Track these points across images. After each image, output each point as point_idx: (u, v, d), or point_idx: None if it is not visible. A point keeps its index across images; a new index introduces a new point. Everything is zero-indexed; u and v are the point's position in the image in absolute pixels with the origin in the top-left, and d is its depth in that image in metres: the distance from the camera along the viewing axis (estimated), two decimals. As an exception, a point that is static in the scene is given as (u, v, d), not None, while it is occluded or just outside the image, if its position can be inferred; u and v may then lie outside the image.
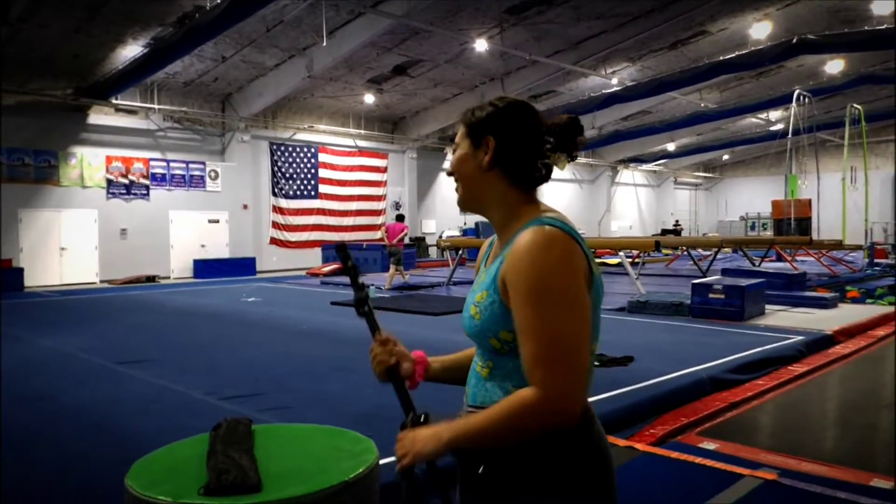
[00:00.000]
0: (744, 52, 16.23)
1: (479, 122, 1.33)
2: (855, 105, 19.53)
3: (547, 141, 1.30)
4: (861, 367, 6.31)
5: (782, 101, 20.08)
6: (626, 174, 31.86)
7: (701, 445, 3.83)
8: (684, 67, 17.56)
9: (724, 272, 11.01)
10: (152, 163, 16.82)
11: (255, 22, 13.25)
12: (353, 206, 21.13)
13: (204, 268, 17.09)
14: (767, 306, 8.79)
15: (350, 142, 20.88)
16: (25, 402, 4.83)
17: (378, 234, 21.19)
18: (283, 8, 13.02)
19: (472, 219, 23.66)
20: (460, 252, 14.25)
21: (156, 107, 16.45)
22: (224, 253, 18.00)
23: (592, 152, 28.10)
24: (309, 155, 19.97)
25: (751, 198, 33.89)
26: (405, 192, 22.41)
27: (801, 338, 6.88)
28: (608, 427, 1.36)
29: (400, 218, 13.89)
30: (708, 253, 17.62)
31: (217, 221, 18.02)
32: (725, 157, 34.36)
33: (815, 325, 7.59)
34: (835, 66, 19.39)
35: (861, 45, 15.07)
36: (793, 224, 19.98)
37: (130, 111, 16.32)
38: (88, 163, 15.71)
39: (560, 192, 27.60)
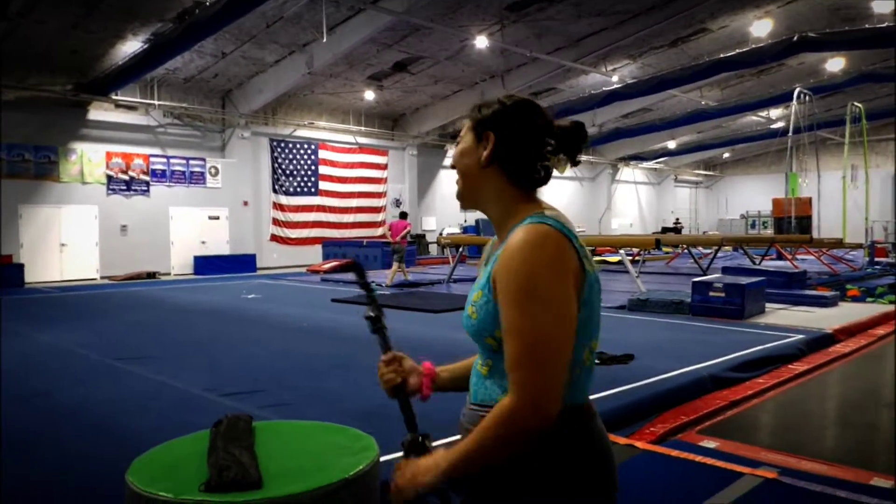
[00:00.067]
0: (745, 49, 16.21)
1: (483, 118, 1.33)
2: (856, 103, 19.52)
3: (548, 143, 1.29)
4: (861, 365, 6.30)
5: (783, 98, 20.08)
6: (627, 172, 31.84)
7: (701, 444, 3.83)
8: (685, 65, 17.55)
9: (725, 270, 11.01)
10: (152, 159, 16.81)
11: (255, 18, 13.23)
12: (354, 203, 21.12)
13: (204, 264, 17.09)
14: (768, 305, 8.79)
15: (350, 138, 20.87)
16: (24, 398, 4.83)
17: (379, 232, 21.21)
18: (283, 4, 12.99)
19: (473, 216, 23.65)
20: (460, 249, 14.24)
21: (156, 103, 16.42)
22: (224, 250, 17.99)
23: (593, 150, 28.08)
24: (309, 152, 19.96)
25: (751, 196, 33.88)
26: (405, 189, 22.39)
27: (801, 336, 6.88)
28: (608, 425, 1.36)
29: (403, 215, 13.95)
30: (708, 251, 17.62)
31: (217, 218, 18.01)
32: (726, 155, 34.35)
33: (816, 324, 7.59)
34: (835, 64, 19.37)
35: (862, 43, 15.07)
36: (793, 222, 19.99)
37: (130, 107, 16.30)
38: (88, 159, 15.70)
39: (560, 190, 27.59)
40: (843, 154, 20.22)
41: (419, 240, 21.58)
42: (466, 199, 1.39)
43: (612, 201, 30.62)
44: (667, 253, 18.67)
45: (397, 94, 19.45)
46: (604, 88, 18.94)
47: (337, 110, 20.18)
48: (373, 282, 10.78)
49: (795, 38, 15.02)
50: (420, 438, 1.35)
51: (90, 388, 5.10)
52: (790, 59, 17.84)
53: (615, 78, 18.34)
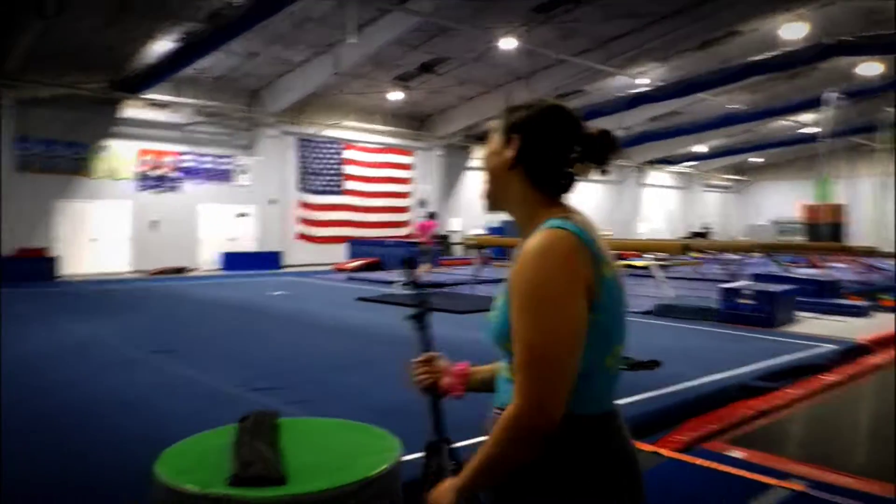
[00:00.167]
0: (777, 52, 15.93)
1: (511, 120, 1.33)
2: (888, 109, 19.06)
3: (574, 150, 1.28)
4: (894, 377, 6.15)
5: (815, 103, 19.70)
6: (654, 175, 31.54)
7: (728, 453, 3.76)
8: (714, 68, 17.30)
9: (755, 277, 10.84)
10: (182, 156, 17.07)
11: (283, 18, 13.35)
12: (379, 202, 21.21)
13: (231, 261, 17.30)
14: (798, 313, 8.62)
15: (376, 138, 20.96)
16: (55, 388, 4.93)
17: (403, 231, 21.28)
18: (310, 5, 13.10)
19: (499, 217, 23.59)
20: (485, 250, 14.21)
21: (186, 101, 16.66)
22: (251, 246, 18.20)
23: (621, 150, 27.83)
24: (335, 151, 20.10)
25: (781, 201, 33.32)
26: (431, 189, 22.43)
27: (832, 346, 6.74)
28: (633, 431, 1.34)
29: (431, 216, 14.02)
30: (738, 257, 17.35)
31: (245, 215, 18.23)
32: (756, 159, 33.82)
33: (848, 334, 7.43)
34: (869, 68, 18.96)
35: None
36: (825, 229, 19.62)
37: (161, 105, 16.56)
38: (120, 155, 16.00)
39: (587, 193, 27.41)
40: (875, 160, 19.80)
41: (443, 240, 21.60)
42: (492, 199, 1.39)
43: (639, 205, 30.33)
44: (695, 258, 18.43)
45: (424, 94, 19.49)
46: (630, 91, 18.76)
47: (363, 110, 20.29)
48: (396, 282, 10.78)
49: (829, 42, 14.73)
50: (439, 442, 1.36)
51: (119, 380, 5.19)
52: (823, 62, 17.50)
53: (643, 81, 18.16)
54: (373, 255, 17.84)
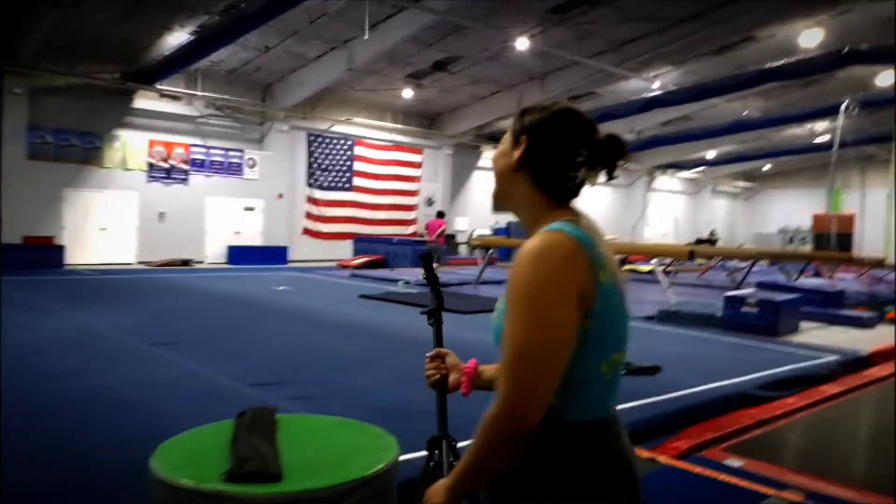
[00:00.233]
0: (792, 59, 15.83)
1: (521, 122, 1.34)
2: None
3: (580, 154, 1.28)
4: (895, 390, 6.12)
5: (829, 111, 19.56)
6: (663, 180, 31.40)
7: (726, 462, 3.76)
8: (729, 74, 17.21)
9: (759, 285, 10.79)
10: (193, 148, 17.14)
11: (299, 13, 13.37)
12: (387, 199, 21.23)
13: (237, 254, 17.36)
14: (802, 323, 8.59)
15: (386, 136, 20.98)
16: (56, 376, 4.97)
17: (410, 230, 21.29)
18: (326, 0, 13.12)
19: (505, 218, 23.58)
20: (490, 251, 14.21)
21: (198, 93, 16.73)
22: (258, 240, 18.25)
23: (629, 156, 27.73)
24: (345, 147, 20.13)
25: (790, 210, 33.11)
26: (439, 188, 22.43)
27: (835, 357, 6.71)
28: (631, 437, 1.35)
29: (440, 214, 14.02)
30: (743, 265, 17.28)
31: (252, 209, 18.29)
32: (766, 167, 33.62)
33: (851, 345, 7.40)
34: (886, 77, 18.81)
35: (915, 57, 14.62)
36: (834, 239, 19.46)
37: (174, 97, 16.64)
38: (131, 146, 16.08)
39: (595, 196, 27.35)
40: (888, 171, 19.65)
41: (449, 240, 21.61)
42: (500, 199, 1.41)
43: (646, 209, 30.22)
44: (700, 264, 18.37)
45: (436, 93, 19.48)
46: (644, 95, 18.70)
47: (375, 107, 20.30)
48: (401, 280, 10.79)
49: (845, 50, 14.63)
50: (440, 438, 1.38)
51: (121, 370, 5.22)
52: (839, 71, 17.38)
53: (657, 84, 18.09)
54: (378, 252, 17.85)
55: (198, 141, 17.27)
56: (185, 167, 17.03)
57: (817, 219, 23.92)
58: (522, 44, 14.94)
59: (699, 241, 28.72)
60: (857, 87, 19.37)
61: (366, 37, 13.63)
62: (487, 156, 22.98)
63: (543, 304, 1.15)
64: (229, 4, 12.78)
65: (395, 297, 10.36)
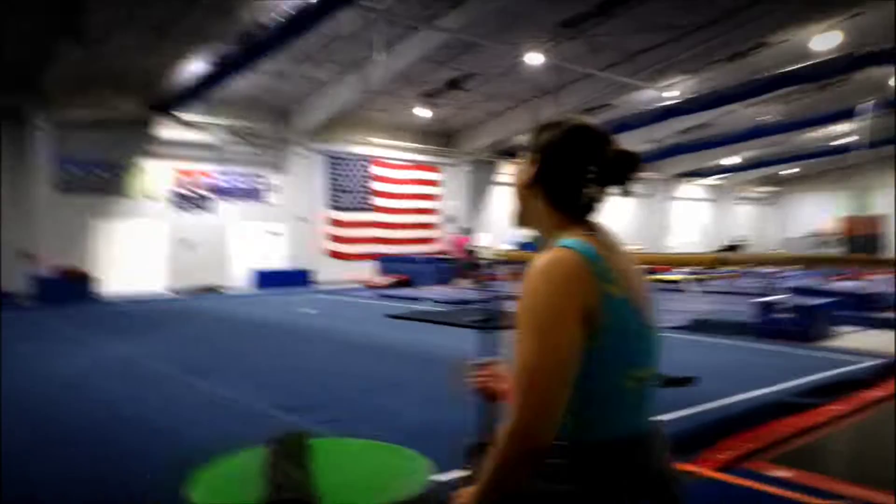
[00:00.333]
0: (809, 63, 15.67)
1: (535, 139, 1.36)
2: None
3: (590, 171, 1.28)
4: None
5: (849, 114, 19.30)
6: (685, 188, 31.15)
7: (771, 473, 3.64)
8: (744, 80, 17.08)
9: (792, 291, 10.59)
10: (215, 175, 17.39)
11: (312, 37, 13.56)
12: (408, 218, 21.29)
13: (263, 279, 17.49)
14: (838, 327, 8.38)
15: (404, 155, 21.09)
16: (88, 405, 5.00)
17: (432, 248, 21.29)
18: (340, 24, 13.28)
19: (528, 233, 23.50)
20: (513, 267, 14.14)
21: (218, 121, 16.99)
22: (283, 264, 18.39)
23: (650, 165, 27.59)
24: (364, 168, 20.26)
25: (817, 213, 32.60)
26: (459, 205, 22.45)
27: (874, 361, 6.52)
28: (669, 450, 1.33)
29: (466, 231, 14.06)
30: (774, 270, 16.99)
31: (276, 233, 18.46)
32: (789, 171, 33.18)
33: (890, 348, 7.19)
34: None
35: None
36: (864, 241, 19.11)
37: (194, 125, 16.91)
38: (155, 175, 16.37)
39: (618, 207, 27.15)
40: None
41: (470, 255, 21.56)
42: (517, 216, 1.43)
43: (669, 218, 29.95)
44: (730, 272, 18.10)
45: (451, 110, 19.57)
46: (659, 105, 18.60)
47: (391, 127, 20.44)
48: (428, 298, 10.79)
49: (861, 53, 14.45)
50: (478, 446, 1.40)
51: (153, 398, 5.25)
52: (857, 73, 17.15)
53: (672, 93, 17.99)
54: (402, 271, 17.88)
55: (220, 168, 17.51)
56: (209, 194, 17.27)
57: (847, 222, 23.51)
58: (535, 59, 14.97)
59: (727, 248, 28.39)
60: (877, 89, 19.08)
61: (380, 59, 13.77)
62: (505, 171, 22.97)
63: (546, 324, 1.16)
64: (244, 33, 12.99)
65: (421, 316, 10.33)
